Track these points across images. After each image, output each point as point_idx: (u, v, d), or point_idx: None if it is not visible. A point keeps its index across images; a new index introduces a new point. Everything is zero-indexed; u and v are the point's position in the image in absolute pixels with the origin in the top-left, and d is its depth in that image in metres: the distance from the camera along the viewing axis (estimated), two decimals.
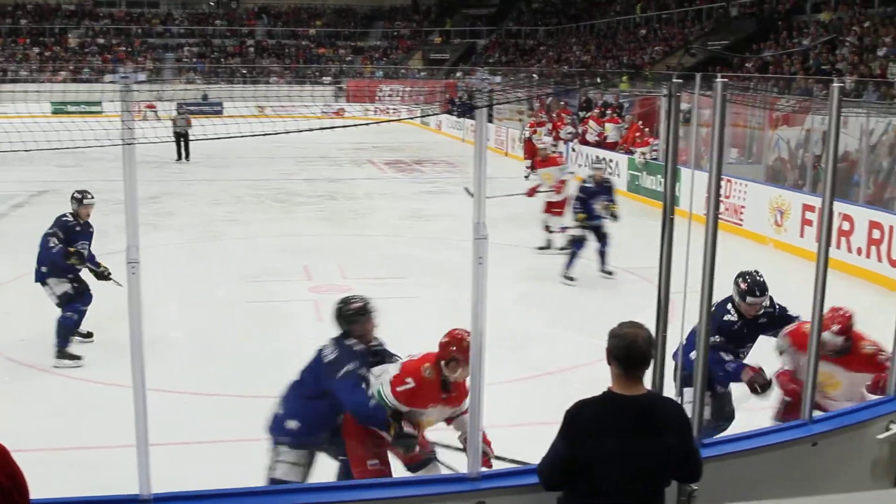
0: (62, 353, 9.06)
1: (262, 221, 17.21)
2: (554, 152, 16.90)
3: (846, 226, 13.37)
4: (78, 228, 9.40)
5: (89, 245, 9.53)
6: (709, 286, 4.43)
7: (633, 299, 10.97)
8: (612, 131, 23.15)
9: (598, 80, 31.35)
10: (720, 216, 14.31)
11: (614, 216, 12.97)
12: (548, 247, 14.60)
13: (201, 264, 13.62)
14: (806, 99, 18.73)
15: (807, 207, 14.26)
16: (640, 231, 12.57)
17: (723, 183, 16.44)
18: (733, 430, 6.26)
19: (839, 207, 13.64)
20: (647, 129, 21.08)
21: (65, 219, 9.40)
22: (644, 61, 34.64)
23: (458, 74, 45.65)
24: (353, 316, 5.77)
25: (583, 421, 3.82)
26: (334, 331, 5.72)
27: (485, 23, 54.82)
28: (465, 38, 54.90)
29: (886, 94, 19.40)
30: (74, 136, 4.58)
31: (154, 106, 33.41)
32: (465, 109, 32.01)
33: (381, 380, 5.53)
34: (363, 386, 5.51)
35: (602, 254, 12.98)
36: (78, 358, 9.08)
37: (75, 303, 9.22)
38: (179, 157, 26.21)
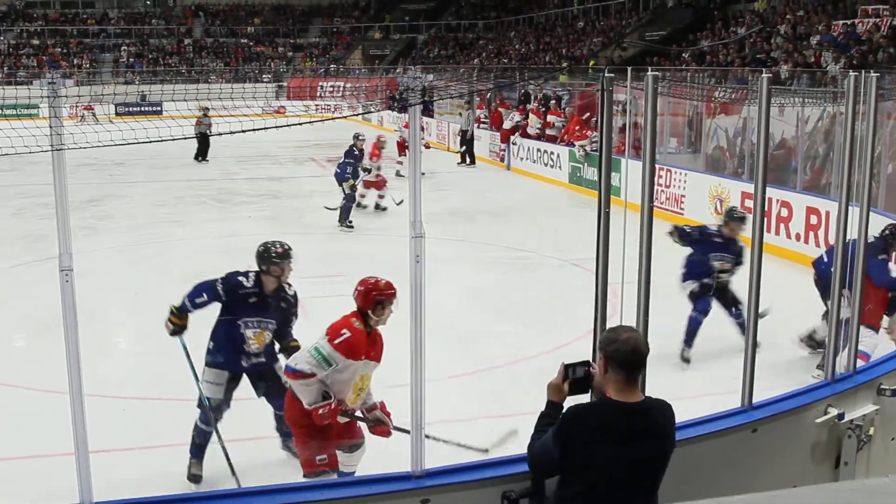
0: None
1: (204, 222, 17.04)
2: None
3: (784, 212, 13.56)
4: None
5: None
6: (646, 276, 4.46)
7: (579, 293, 11.00)
8: (552, 124, 23.26)
9: (530, 73, 31.44)
10: (661, 206, 14.49)
11: (368, 171, 16.69)
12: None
13: (143, 267, 13.43)
14: (742, 88, 18.94)
15: (746, 195, 14.42)
16: (583, 223, 12.63)
17: (663, 173, 16.79)
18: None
19: (777, 194, 13.85)
20: (590, 121, 21.21)
21: None
22: (583, 53, 34.83)
23: (399, 70, 45.56)
24: (275, 258, 6.63)
25: (580, 430, 3.79)
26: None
27: (424, 17, 54.79)
28: (405, 33, 54.85)
29: (820, 82, 19.68)
30: (4, 140, 4.50)
31: (92, 108, 32.94)
32: (406, 105, 31.96)
33: (312, 344, 5.64)
34: (202, 292, 6.64)
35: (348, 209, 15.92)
36: None
37: None
38: (198, 158, 26.25)
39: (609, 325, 4.44)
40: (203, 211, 18.40)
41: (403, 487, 4.21)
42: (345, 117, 38.69)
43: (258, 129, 4.81)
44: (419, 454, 4.27)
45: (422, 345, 4.17)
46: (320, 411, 5.49)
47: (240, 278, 6.62)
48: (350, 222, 15.88)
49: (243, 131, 4.86)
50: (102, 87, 39.38)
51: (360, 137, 16.70)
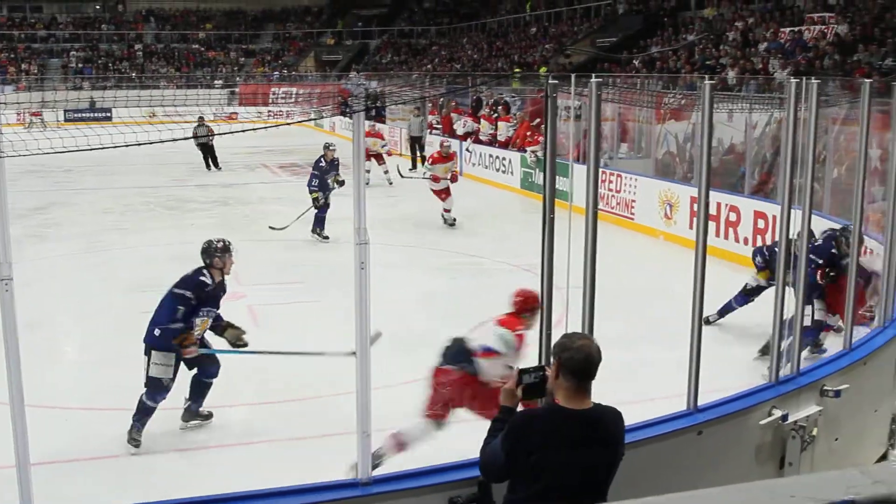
0: None
1: (153, 230, 16.87)
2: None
3: (733, 216, 13.71)
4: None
5: None
6: (591, 280, 4.49)
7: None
8: (503, 130, 23.35)
9: (481, 80, 31.58)
10: (611, 211, 14.58)
11: (341, 183, 15.48)
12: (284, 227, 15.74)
13: (91, 275, 13.28)
14: (691, 94, 19.14)
15: (695, 200, 14.42)
16: (534, 228, 12.64)
17: (614, 178, 16.91)
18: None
19: (726, 199, 14.00)
20: (541, 126, 21.31)
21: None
22: (535, 59, 34.99)
23: (352, 75, 45.51)
24: (217, 251, 7.44)
25: (527, 437, 3.78)
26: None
27: (377, 23, 54.76)
28: (358, 38, 54.81)
29: (765, 88, 19.93)
30: None
31: (40, 113, 32.53)
32: (351, 112, 31.91)
33: (495, 330, 6.49)
34: (178, 307, 7.07)
35: (321, 219, 15.42)
36: None
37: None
38: (209, 167, 25.84)
39: (555, 330, 4.47)
40: (152, 218, 18.22)
41: (350, 495, 4.21)
42: (300, 122, 38.56)
43: (247, 130, 4.78)
44: (365, 461, 4.27)
45: (367, 351, 4.17)
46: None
47: (201, 278, 7.29)
48: (321, 233, 15.53)
49: (230, 133, 4.83)
50: (54, 93, 39.00)
51: (331, 147, 16.10)
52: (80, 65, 52.03)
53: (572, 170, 4.50)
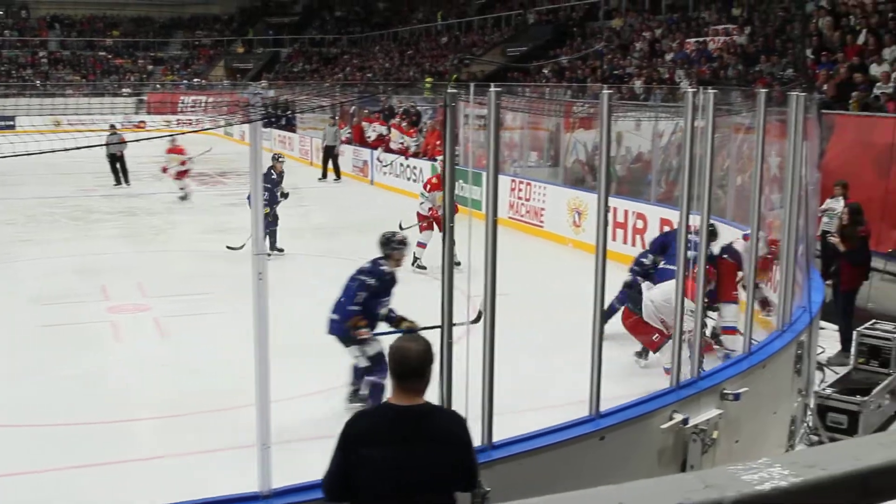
0: None
1: (57, 241, 16.49)
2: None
3: (640, 224, 13.91)
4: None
5: None
6: (491, 287, 4.51)
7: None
8: (409, 143, 23.38)
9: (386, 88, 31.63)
10: (521, 219, 14.65)
11: (286, 196, 15.22)
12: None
13: None
14: (599, 103, 19.35)
15: None
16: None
17: (523, 186, 17.04)
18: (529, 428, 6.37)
19: (633, 206, 14.21)
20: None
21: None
22: (446, 68, 35.13)
23: (263, 84, 45.15)
24: (395, 244, 8.18)
25: (358, 431, 3.83)
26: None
27: (288, 31, 54.46)
28: (269, 47, 54.39)
29: (672, 97, 20.28)
30: None
31: None
32: (269, 120, 31.65)
33: None
34: (360, 292, 7.80)
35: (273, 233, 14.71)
36: None
37: None
38: (119, 182, 24.17)
39: (455, 338, 4.47)
40: (56, 229, 17.82)
41: None
42: (206, 130, 38.12)
43: (153, 139, 4.69)
44: (266, 473, 4.22)
45: (266, 362, 4.13)
46: None
47: (381, 267, 8.06)
48: (279, 247, 14.79)
49: (141, 140, 4.74)
50: None
51: (280, 159, 15.72)
52: None
53: (488, 178, 4.48)
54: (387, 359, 3.93)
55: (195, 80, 51.44)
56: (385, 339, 7.69)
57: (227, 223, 17.99)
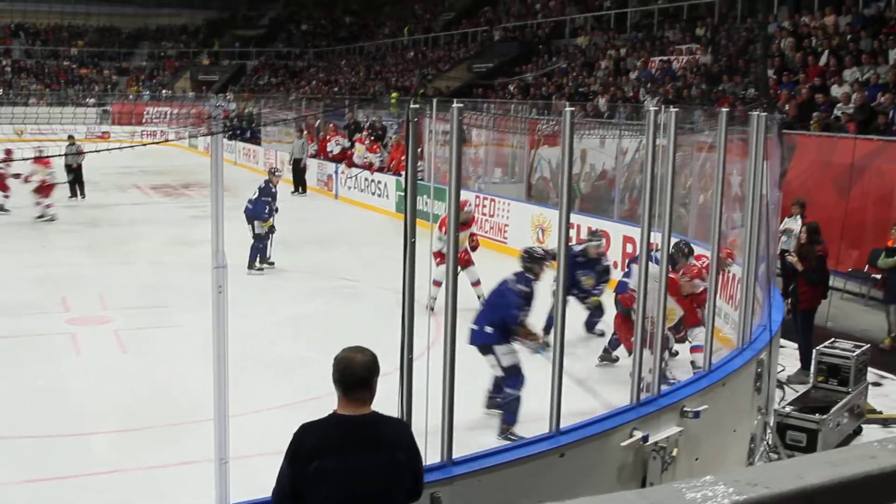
0: None
1: (17, 251, 16.29)
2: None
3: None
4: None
5: None
6: (452, 302, 4.51)
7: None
8: (374, 159, 23.36)
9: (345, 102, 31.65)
10: (485, 235, 14.64)
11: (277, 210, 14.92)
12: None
13: None
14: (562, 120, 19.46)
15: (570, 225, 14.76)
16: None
17: (487, 202, 17.08)
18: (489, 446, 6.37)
19: (597, 223, 14.25)
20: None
21: None
22: (412, 83, 35.19)
23: (228, 96, 45.00)
24: (539, 259, 8.27)
25: (309, 445, 3.82)
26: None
27: (254, 44, 54.36)
28: (235, 59, 54.26)
29: (636, 115, 20.44)
30: None
31: None
32: (235, 132, 31.55)
33: None
34: (519, 301, 7.88)
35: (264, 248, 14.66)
36: None
37: None
38: (74, 194, 23.14)
39: (415, 353, 4.47)
40: (16, 239, 17.62)
41: None
42: (166, 141, 37.89)
43: (113, 150, 4.66)
44: (224, 488, 4.19)
45: (225, 376, 4.11)
46: None
47: (530, 278, 8.16)
48: (268, 259, 14.74)
49: (105, 150, 4.71)
50: None
51: (277, 173, 15.51)
52: None
53: (450, 193, 4.48)
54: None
55: (161, 90, 51.12)
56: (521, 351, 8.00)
57: (189, 235, 17.88)
